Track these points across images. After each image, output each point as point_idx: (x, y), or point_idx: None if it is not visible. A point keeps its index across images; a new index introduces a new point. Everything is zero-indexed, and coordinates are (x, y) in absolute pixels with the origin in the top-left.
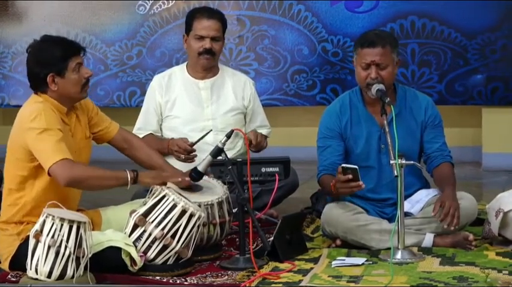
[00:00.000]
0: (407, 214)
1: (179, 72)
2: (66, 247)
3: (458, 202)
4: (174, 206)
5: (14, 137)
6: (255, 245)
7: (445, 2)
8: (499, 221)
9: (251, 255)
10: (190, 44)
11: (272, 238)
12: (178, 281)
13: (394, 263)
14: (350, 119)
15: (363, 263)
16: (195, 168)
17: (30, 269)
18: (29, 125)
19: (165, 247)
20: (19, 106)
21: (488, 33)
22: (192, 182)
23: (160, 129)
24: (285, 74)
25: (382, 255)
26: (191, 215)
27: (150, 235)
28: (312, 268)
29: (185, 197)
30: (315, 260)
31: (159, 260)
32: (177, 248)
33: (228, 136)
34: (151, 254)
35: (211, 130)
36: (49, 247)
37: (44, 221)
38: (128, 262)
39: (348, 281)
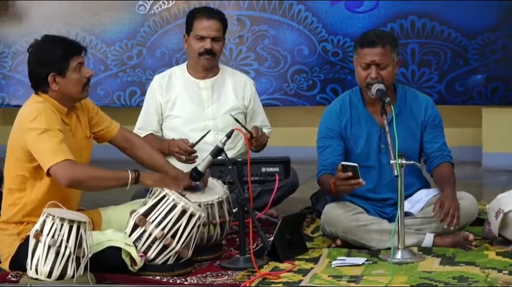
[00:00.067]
0: (407, 214)
1: (179, 72)
2: (66, 246)
3: (458, 202)
4: (174, 206)
5: (14, 137)
6: (255, 245)
7: (445, 2)
8: (499, 222)
9: (251, 255)
10: (191, 44)
11: (272, 238)
12: (178, 281)
13: (394, 263)
14: (350, 119)
15: (363, 263)
16: (195, 168)
17: (31, 269)
18: (29, 125)
19: (165, 247)
20: (19, 106)
21: (488, 33)
22: (192, 183)
23: (161, 129)
24: (285, 74)
25: (382, 255)
26: (191, 215)
27: (150, 235)
28: (312, 268)
29: (185, 197)
30: (315, 260)
31: (159, 260)
32: (177, 248)
33: (228, 136)
34: (151, 254)
35: (209, 131)
36: (49, 247)
37: (44, 221)
38: (128, 262)
39: (348, 281)
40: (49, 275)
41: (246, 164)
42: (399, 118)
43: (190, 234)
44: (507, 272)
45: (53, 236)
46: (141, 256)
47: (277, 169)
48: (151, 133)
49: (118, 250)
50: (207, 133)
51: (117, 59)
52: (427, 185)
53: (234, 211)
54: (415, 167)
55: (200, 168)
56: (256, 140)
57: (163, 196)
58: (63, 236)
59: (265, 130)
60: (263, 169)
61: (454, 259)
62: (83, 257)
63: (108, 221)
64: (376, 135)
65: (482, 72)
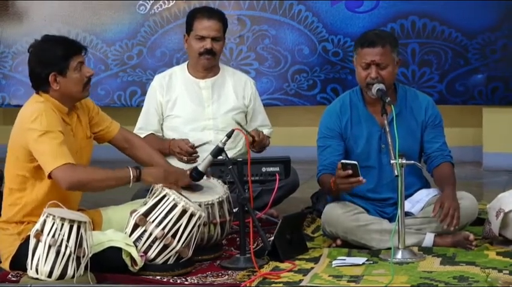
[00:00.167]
0: (407, 214)
1: (180, 72)
2: (66, 246)
3: (458, 202)
4: (174, 206)
5: (15, 137)
6: (255, 244)
7: (445, 2)
8: (500, 222)
9: (251, 255)
10: (191, 44)
11: (272, 238)
12: (178, 281)
13: (395, 263)
14: (350, 119)
15: (363, 263)
16: (196, 168)
17: (31, 268)
18: (30, 125)
19: (165, 247)
20: (19, 106)
21: (488, 33)
22: (192, 182)
23: (161, 129)
24: (286, 74)
25: (382, 255)
26: (192, 215)
27: (150, 234)
28: (312, 268)
29: (185, 197)
30: (316, 260)
31: (160, 260)
32: (177, 247)
33: (229, 136)
34: (151, 254)
35: (209, 142)
36: (50, 247)
37: (45, 221)
38: (128, 262)
39: (348, 281)
40: (49, 275)
41: (247, 163)
42: (399, 118)
43: (191, 234)
44: (507, 272)
45: (53, 236)
46: (141, 256)
47: (277, 169)
48: (151, 133)
49: (118, 250)
50: (206, 143)
51: (117, 59)
52: (427, 185)
53: (234, 210)
54: (415, 167)
55: (201, 168)
56: (258, 144)
57: (164, 196)
58: (63, 236)
59: (265, 130)
60: (263, 169)
61: (455, 258)
62: (83, 257)
63: (109, 221)
64: (376, 135)
65: (483, 72)
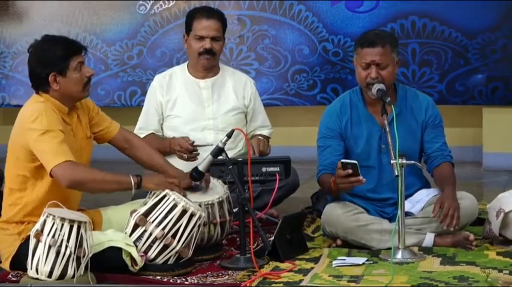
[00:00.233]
0: (407, 214)
1: (180, 72)
2: (66, 246)
3: (458, 202)
4: (174, 206)
5: (15, 137)
6: (255, 244)
7: (445, 2)
8: (500, 222)
9: (252, 255)
10: (191, 44)
11: (273, 238)
12: (178, 281)
13: (395, 263)
14: (350, 119)
15: (363, 263)
16: (196, 168)
17: (31, 268)
18: (30, 125)
19: (165, 247)
20: (20, 106)
21: (488, 33)
22: (192, 182)
23: (161, 128)
24: (286, 74)
25: (382, 255)
26: (192, 215)
27: (150, 234)
28: (312, 268)
29: (186, 197)
30: (316, 260)
31: (160, 260)
32: (177, 248)
33: (229, 136)
34: (151, 254)
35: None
36: (50, 247)
37: (45, 221)
38: (128, 262)
39: (348, 281)
40: (49, 275)
41: (247, 163)
42: (400, 118)
43: (191, 234)
44: (507, 272)
45: (53, 236)
46: (141, 256)
47: (277, 169)
48: (152, 133)
49: (118, 250)
50: (207, 145)
51: (117, 59)
52: (427, 185)
53: (234, 210)
54: (415, 167)
55: (201, 168)
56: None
57: (164, 196)
58: (63, 236)
59: (266, 130)
60: (263, 169)
61: (455, 258)
62: (84, 257)
63: (109, 221)
64: (376, 135)
65: (483, 72)
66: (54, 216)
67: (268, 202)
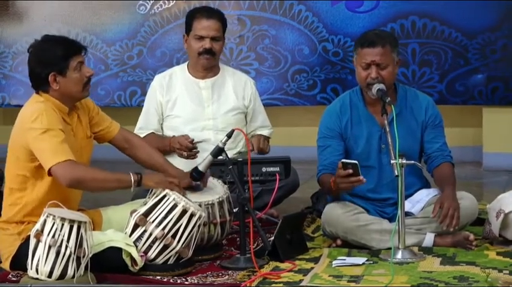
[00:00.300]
0: (407, 214)
1: (180, 72)
2: (66, 246)
3: (458, 202)
4: (174, 206)
5: (15, 137)
6: (255, 244)
7: (445, 2)
8: (500, 222)
9: (252, 255)
10: (191, 44)
11: (273, 238)
12: (178, 281)
13: (395, 263)
14: (350, 119)
15: (363, 263)
16: (196, 168)
17: (31, 269)
18: (30, 125)
19: (165, 247)
20: (20, 106)
21: (488, 33)
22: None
23: (161, 128)
24: (286, 74)
25: (382, 255)
26: (192, 215)
27: (150, 234)
28: (312, 268)
29: (186, 197)
30: (316, 260)
31: (160, 260)
32: (177, 248)
33: (229, 136)
34: (151, 254)
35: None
36: (50, 247)
37: (45, 221)
38: (128, 262)
39: (348, 281)
40: (49, 275)
41: (247, 164)
42: (400, 118)
43: (191, 234)
44: (507, 272)
45: (53, 236)
46: (141, 256)
47: (277, 169)
48: (152, 132)
49: (119, 250)
50: (203, 141)
51: (117, 59)
52: (427, 185)
53: (234, 210)
54: (415, 167)
55: (201, 168)
56: (258, 151)
57: (164, 196)
58: (63, 236)
59: (266, 130)
60: (263, 169)
61: (455, 258)
62: (84, 257)
63: (109, 221)
64: (376, 135)
65: (483, 72)
66: (54, 216)
67: (268, 202)
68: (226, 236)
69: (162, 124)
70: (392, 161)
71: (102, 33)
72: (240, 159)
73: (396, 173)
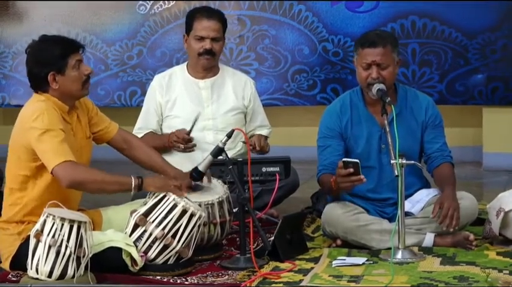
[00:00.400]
0: (407, 214)
1: (179, 72)
2: (66, 246)
3: (458, 202)
4: (174, 206)
5: (16, 137)
6: (255, 244)
7: (445, 2)
8: (500, 221)
9: (252, 255)
10: (191, 44)
11: (273, 238)
12: (178, 281)
13: (395, 263)
14: (350, 119)
15: (363, 263)
16: (196, 168)
17: (31, 268)
18: (31, 124)
19: (165, 247)
20: (20, 106)
21: (488, 33)
22: (192, 182)
23: (161, 129)
24: (286, 74)
25: (382, 255)
26: (192, 215)
27: (150, 234)
28: (312, 268)
29: (186, 197)
30: (316, 260)
31: (160, 260)
32: (177, 248)
33: (229, 136)
34: (151, 254)
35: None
36: (50, 247)
37: (45, 221)
38: (128, 262)
39: (348, 281)
40: (49, 275)
41: (247, 163)
42: (400, 118)
43: (191, 234)
44: (507, 272)
45: (53, 236)
46: (141, 256)
47: (277, 169)
48: (150, 131)
49: (119, 250)
50: (196, 118)
51: (117, 59)
52: (427, 185)
53: (234, 210)
54: (415, 167)
55: (201, 168)
56: (259, 150)
57: (164, 196)
58: (63, 236)
59: (265, 130)
60: (263, 169)
61: (455, 258)
62: (84, 257)
63: (109, 221)
64: (376, 135)
65: (483, 72)
66: (54, 216)
67: (268, 202)
68: (226, 236)
69: (161, 125)
70: (392, 161)
71: (102, 33)
72: (240, 159)
73: (396, 173)
